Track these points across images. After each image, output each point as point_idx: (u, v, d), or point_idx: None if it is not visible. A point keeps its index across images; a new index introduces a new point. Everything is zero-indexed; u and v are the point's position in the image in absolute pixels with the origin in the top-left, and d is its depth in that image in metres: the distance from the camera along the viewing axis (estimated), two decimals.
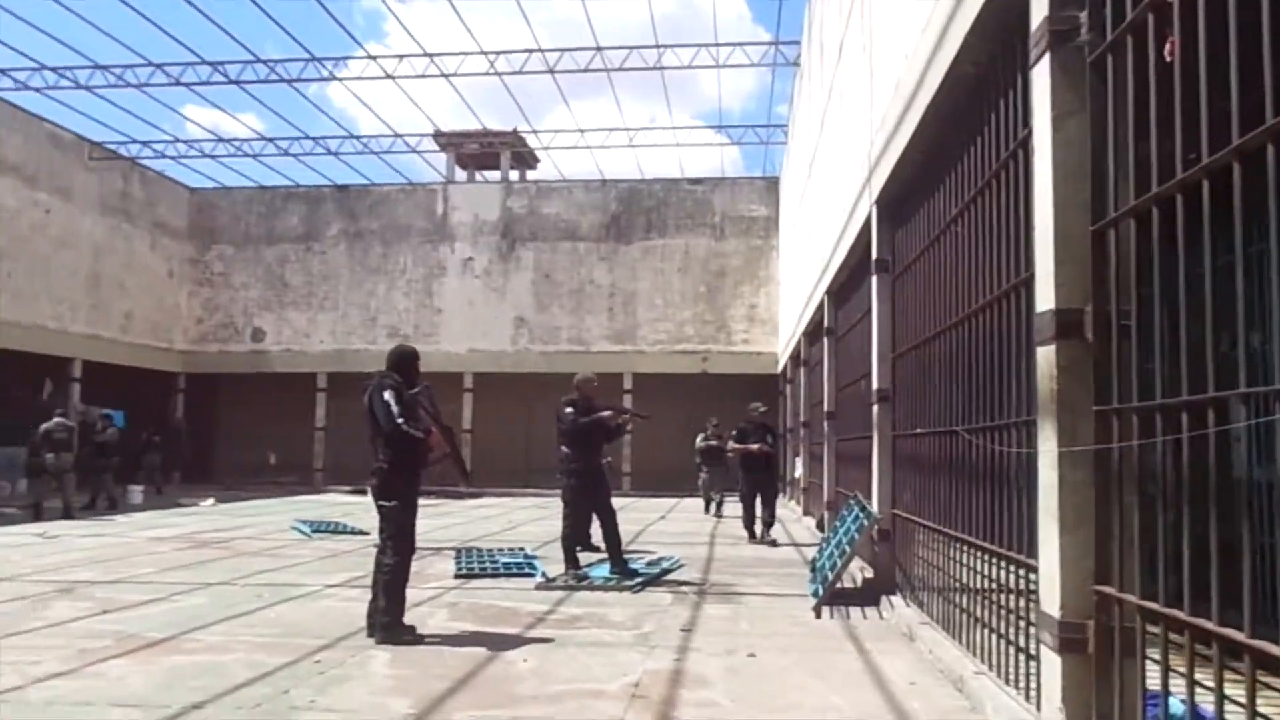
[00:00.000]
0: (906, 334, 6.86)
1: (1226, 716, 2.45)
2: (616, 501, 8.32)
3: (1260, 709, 2.32)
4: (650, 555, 9.63)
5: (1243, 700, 2.33)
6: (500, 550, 9.82)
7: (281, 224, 26.97)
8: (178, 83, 19.50)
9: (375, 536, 5.88)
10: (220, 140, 24.64)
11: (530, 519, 15.15)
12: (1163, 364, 2.75)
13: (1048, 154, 3.35)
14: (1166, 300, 2.79)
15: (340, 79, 20.42)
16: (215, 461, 26.21)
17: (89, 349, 22.50)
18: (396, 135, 24.07)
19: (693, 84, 64.26)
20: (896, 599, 6.69)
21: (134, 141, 23.65)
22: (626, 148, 23.72)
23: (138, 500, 17.90)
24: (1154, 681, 2.87)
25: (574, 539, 8.43)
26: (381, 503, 5.68)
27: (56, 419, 14.88)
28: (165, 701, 4.18)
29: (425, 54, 19.02)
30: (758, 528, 11.67)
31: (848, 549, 7.09)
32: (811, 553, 9.22)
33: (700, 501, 16.98)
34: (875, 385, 7.61)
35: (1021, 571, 3.88)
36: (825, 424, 12.19)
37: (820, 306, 12.75)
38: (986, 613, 4.45)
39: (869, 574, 7.57)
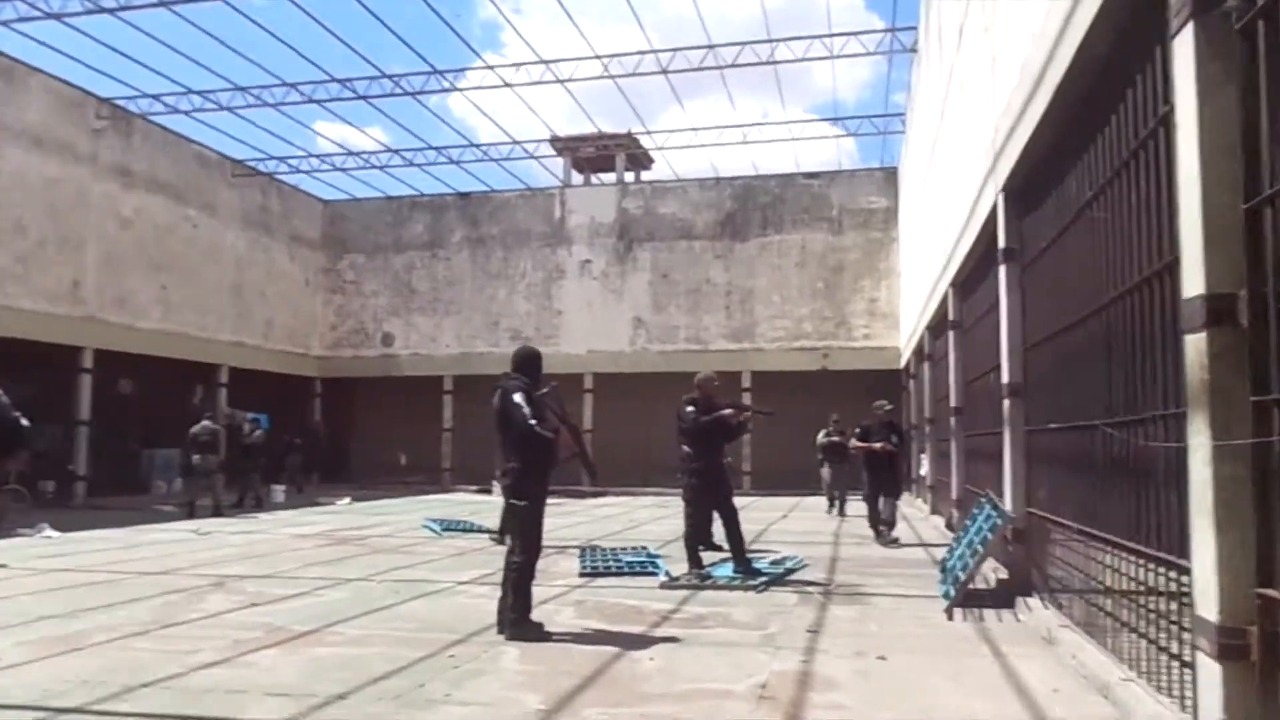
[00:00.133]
0: (1039, 325, 6.59)
1: None
2: (737, 500, 8.26)
3: None
4: (773, 554, 9.52)
5: None
6: (623, 549, 9.92)
7: (408, 232, 28.02)
8: (310, 100, 20.49)
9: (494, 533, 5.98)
10: (349, 154, 25.77)
11: (651, 518, 15.23)
12: None
13: (1193, 130, 3.15)
14: None
15: (460, 89, 21.02)
16: (351, 462, 27.50)
17: (234, 356, 23.94)
18: (515, 142, 24.68)
19: (806, 77, 63.38)
20: (1033, 601, 6.42)
21: (271, 158, 24.99)
22: (740, 144, 23.61)
23: (280, 499, 18.91)
24: None
25: (696, 538, 8.41)
26: (514, 501, 5.84)
27: (203, 423, 15.92)
28: (311, 691, 4.39)
29: (541, 60, 19.35)
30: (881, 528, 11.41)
31: (980, 549, 6.85)
32: (940, 553, 8.95)
33: (823, 500, 16.72)
34: (1006, 379, 7.34)
35: (1172, 573, 3.66)
36: (952, 420, 11.82)
37: (944, 299, 12.37)
38: (1133, 616, 4.22)
39: (1003, 574, 7.29)
